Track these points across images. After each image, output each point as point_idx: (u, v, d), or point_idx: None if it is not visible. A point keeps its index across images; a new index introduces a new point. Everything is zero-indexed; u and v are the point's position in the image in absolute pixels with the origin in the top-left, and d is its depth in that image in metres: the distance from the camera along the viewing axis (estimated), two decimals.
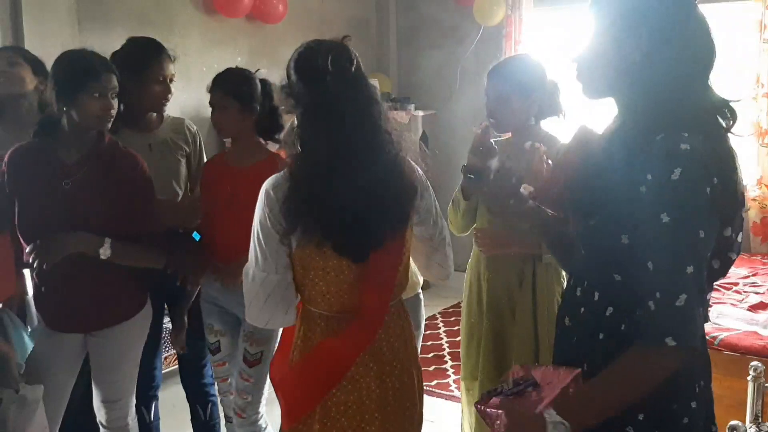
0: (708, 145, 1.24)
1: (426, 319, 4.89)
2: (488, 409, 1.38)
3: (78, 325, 2.33)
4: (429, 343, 4.52)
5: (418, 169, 1.90)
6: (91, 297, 2.29)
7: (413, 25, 5.92)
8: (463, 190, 2.45)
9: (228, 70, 2.58)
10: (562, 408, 1.24)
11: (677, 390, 1.30)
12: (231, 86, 2.51)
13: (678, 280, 1.19)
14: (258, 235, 1.78)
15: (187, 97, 3.96)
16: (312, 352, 1.83)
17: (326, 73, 1.70)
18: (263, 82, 2.56)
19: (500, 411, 1.33)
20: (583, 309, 1.41)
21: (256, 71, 2.61)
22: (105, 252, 2.17)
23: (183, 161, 2.81)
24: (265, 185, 1.79)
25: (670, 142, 1.23)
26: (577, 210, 1.44)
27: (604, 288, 1.37)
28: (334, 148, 1.71)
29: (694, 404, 1.32)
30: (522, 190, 2.00)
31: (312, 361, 1.84)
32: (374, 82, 5.51)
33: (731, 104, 1.34)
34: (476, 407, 1.41)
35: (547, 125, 2.44)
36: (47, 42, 3.23)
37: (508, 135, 2.49)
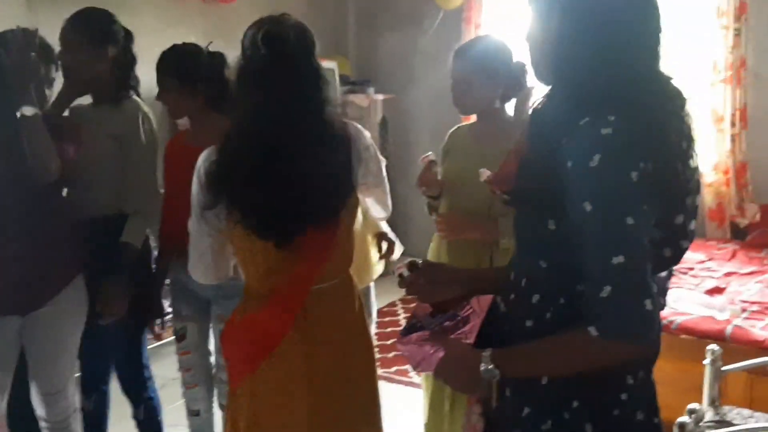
0: (638, 128, 1.17)
1: (385, 306, 4.92)
2: (410, 346, 1.40)
3: (11, 305, 2.23)
4: (389, 329, 4.50)
5: (360, 134, 1.87)
6: (20, 271, 2.20)
7: (372, 6, 5.85)
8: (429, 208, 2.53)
9: (170, 48, 2.48)
10: (496, 355, 1.26)
11: (605, 380, 1.27)
12: (169, 65, 2.42)
13: (602, 271, 1.15)
14: (192, 197, 1.80)
15: (140, 79, 3.84)
16: (240, 323, 1.86)
17: (257, 48, 1.67)
18: (212, 55, 2.47)
19: (430, 347, 1.37)
20: (513, 295, 1.38)
21: (209, 44, 2.52)
22: None
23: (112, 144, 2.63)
24: (200, 156, 1.79)
25: (593, 127, 1.17)
26: (513, 194, 1.41)
27: (530, 274, 1.33)
28: (256, 126, 1.69)
29: (624, 396, 1.29)
30: (481, 171, 2.01)
31: (241, 332, 1.86)
32: (332, 64, 5.45)
33: (675, 84, 1.29)
34: (397, 346, 1.45)
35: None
36: None
37: (473, 118, 2.46)
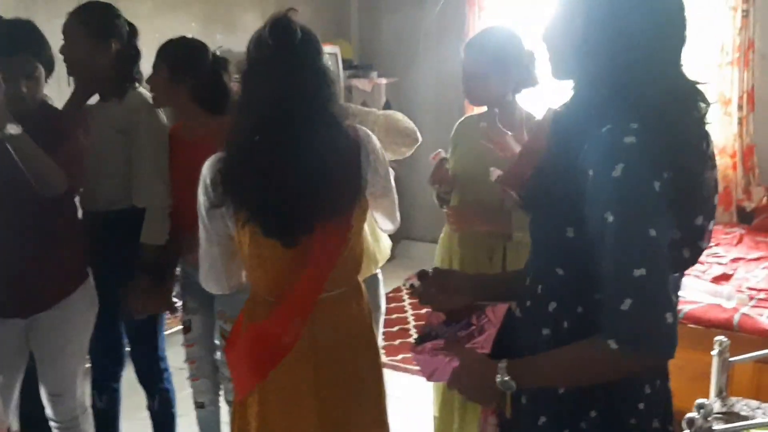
0: (661, 136, 1.15)
1: (390, 292, 4.89)
2: (423, 356, 1.39)
3: (17, 308, 2.22)
4: (394, 316, 4.49)
5: (370, 138, 1.83)
6: (26, 275, 2.18)
7: None
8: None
9: (176, 38, 2.45)
10: (512, 366, 1.25)
11: (622, 390, 1.26)
12: (166, 51, 2.40)
13: (623, 283, 1.12)
14: (199, 207, 1.78)
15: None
16: (247, 332, 1.84)
17: (263, 40, 1.66)
18: (215, 56, 2.45)
19: (444, 356, 1.36)
20: (529, 302, 1.36)
21: (217, 48, 2.50)
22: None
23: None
24: (205, 164, 1.76)
25: (615, 135, 1.14)
26: (528, 198, 1.38)
27: (547, 282, 1.31)
28: (261, 122, 1.67)
29: (641, 405, 1.28)
30: (491, 170, 1.98)
31: (248, 342, 1.83)
32: (335, 49, 5.41)
33: (700, 88, 1.26)
34: (412, 354, 1.43)
35: (524, 98, 2.37)
36: None
37: (482, 108, 2.42)
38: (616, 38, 1.20)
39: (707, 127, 1.27)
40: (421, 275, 1.56)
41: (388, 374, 2.31)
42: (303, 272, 1.74)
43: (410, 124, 2.50)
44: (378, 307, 2.56)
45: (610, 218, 1.13)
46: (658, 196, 1.13)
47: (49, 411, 2.36)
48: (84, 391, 2.46)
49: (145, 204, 2.45)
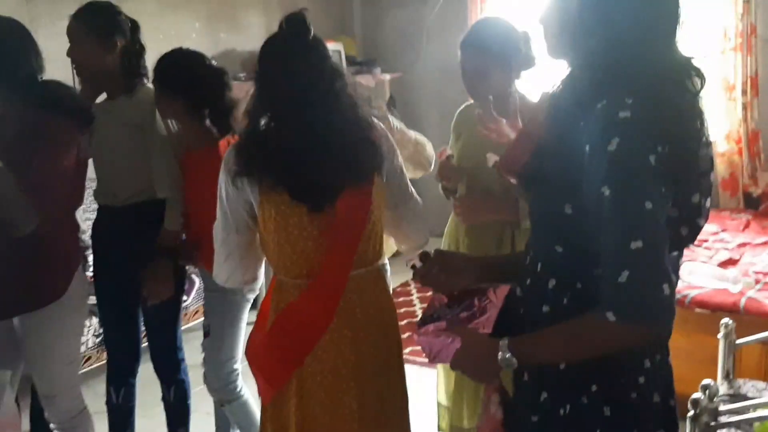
0: (655, 111, 1.16)
1: (398, 286, 4.91)
2: (426, 337, 1.41)
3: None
4: (402, 310, 4.49)
5: (389, 135, 1.90)
6: (7, 275, 2.15)
7: None
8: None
9: (168, 52, 2.49)
10: (513, 344, 1.26)
11: (622, 364, 1.27)
12: (156, 69, 2.46)
13: (620, 256, 1.14)
14: (219, 191, 1.82)
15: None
16: (281, 314, 1.81)
17: (277, 31, 1.77)
18: (212, 69, 2.50)
19: (446, 337, 1.37)
20: (529, 280, 1.38)
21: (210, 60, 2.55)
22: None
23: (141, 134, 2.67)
24: (226, 152, 1.84)
25: (610, 110, 1.16)
26: (526, 178, 1.40)
27: (546, 259, 1.33)
28: (281, 107, 1.74)
29: (642, 379, 1.29)
30: (488, 156, 1.99)
31: (282, 325, 1.81)
32: (338, 45, 5.41)
33: (695, 63, 1.27)
34: (415, 336, 1.45)
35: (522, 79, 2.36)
36: None
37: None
38: (609, 16, 1.22)
39: (703, 106, 1.28)
40: (423, 257, 1.57)
41: None
42: (329, 243, 1.75)
43: (433, 154, 2.70)
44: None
45: (607, 192, 1.15)
46: (653, 170, 1.15)
47: (45, 413, 2.40)
48: (80, 393, 2.46)
49: (168, 194, 2.49)
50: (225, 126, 2.47)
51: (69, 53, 2.47)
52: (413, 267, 1.57)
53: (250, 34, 4.92)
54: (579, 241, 1.24)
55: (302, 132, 1.71)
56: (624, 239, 1.14)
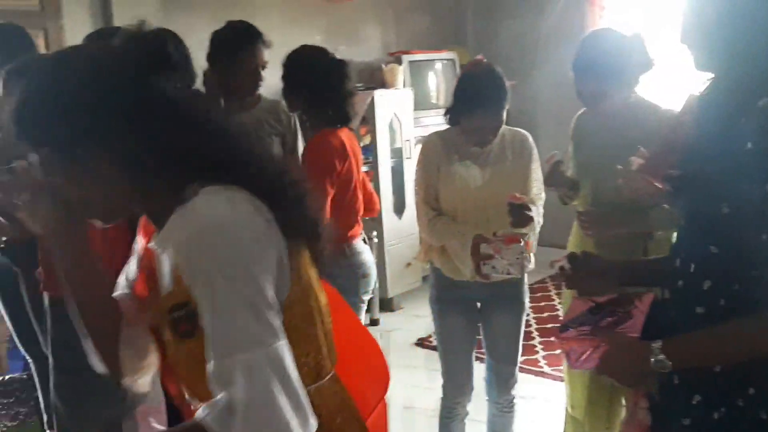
0: None
1: (535, 283, 4.86)
2: (569, 342, 1.39)
3: None
4: (542, 304, 4.60)
5: None
6: None
7: None
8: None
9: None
10: (667, 346, 1.24)
11: None
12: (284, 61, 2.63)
13: None
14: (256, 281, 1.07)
15: (269, 77, 4.01)
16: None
17: None
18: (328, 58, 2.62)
19: (590, 341, 1.36)
20: (681, 282, 1.34)
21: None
22: None
23: (277, 142, 2.82)
24: None
25: None
26: (678, 181, 1.38)
27: (700, 260, 1.30)
28: None
29: None
30: (631, 160, 1.96)
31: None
32: (452, 55, 5.45)
33: None
34: (557, 341, 1.44)
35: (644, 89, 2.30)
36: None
37: None
38: (749, 18, 1.20)
39: None
40: (571, 258, 1.56)
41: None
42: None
43: None
44: (522, 304, 2.55)
45: None
46: None
47: None
48: None
49: None
50: (344, 114, 2.58)
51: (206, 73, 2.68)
52: (561, 268, 1.55)
53: (368, 47, 5.07)
54: (736, 242, 1.21)
55: None
56: None
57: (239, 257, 1.03)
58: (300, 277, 1.15)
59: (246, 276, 1.03)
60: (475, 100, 2.30)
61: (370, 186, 2.91)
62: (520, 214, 2.26)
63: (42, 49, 3.05)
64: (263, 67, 2.73)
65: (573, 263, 1.55)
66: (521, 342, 2.55)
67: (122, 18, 3.44)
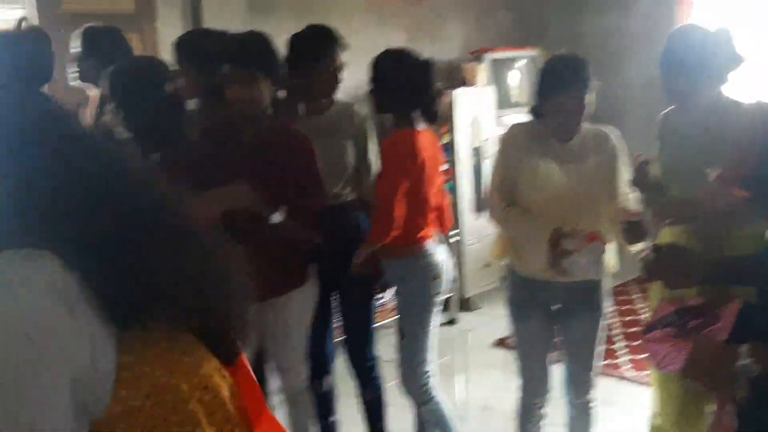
0: None
1: (618, 285, 4.72)
2: (654, 343, 1.37)
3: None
4: (624, 307, 4.51)
5: None
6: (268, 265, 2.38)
7: None
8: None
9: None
10: (755, 350, 1.22)
11: None
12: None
13: None
14: None
15: (350, 78, 4.06)
16: None
17: None
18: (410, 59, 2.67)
19: (675, 343, 1.35)
20: None
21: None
22: (276, 217, 2.23)
23: (350, 144, 2.81)
24: None
25: None
26: (759, 183, 1.33)
27: None
28: None
29: None
30: (707, 172, 1.91)
31: None
32: (533, 53, 5.39)
33: None
34: (642, 341, 1.39)
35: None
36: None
37: None
38: None
39: None
40: (656, 248, 1.54)
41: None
42: None
43: None
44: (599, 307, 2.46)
45: None
46: None
47: (277, 382, 2.60)
48: (306, 372, 2.63)
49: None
50: (431, 113, 2.61)
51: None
52: (644, 260, 1.53)
53: (449, 45, 5.06)
54: None
55: None
56: None
57: (6, 375, 0.76)
58: (138, 387, 0.85)
59: (17, 400, 0.77)
60: (556, 80, 2.29)
61: (447, 201, 2.90)
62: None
63: (137, 51, 3.18)
64: (341, 70, 2.76)
65: (658, 254, 1.52)
66: (598, 348, 2.48)
67: (212, 20, 3.58)
